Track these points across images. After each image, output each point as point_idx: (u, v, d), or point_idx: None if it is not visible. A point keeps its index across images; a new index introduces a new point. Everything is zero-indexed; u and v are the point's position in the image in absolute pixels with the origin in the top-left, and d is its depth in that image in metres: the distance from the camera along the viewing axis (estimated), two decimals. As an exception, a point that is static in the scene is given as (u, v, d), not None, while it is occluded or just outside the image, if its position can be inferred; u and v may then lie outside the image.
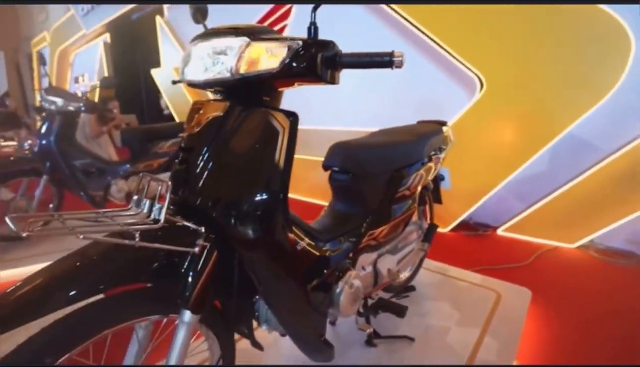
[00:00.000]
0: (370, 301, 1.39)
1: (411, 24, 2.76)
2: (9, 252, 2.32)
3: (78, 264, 0.64)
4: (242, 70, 0.73)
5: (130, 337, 0.82)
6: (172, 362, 0.73)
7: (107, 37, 7.45)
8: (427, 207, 1.79)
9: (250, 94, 0.80)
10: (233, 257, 0.82)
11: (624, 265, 2.18)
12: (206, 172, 0.74)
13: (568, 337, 1.56)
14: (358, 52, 0.77)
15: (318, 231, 1.09)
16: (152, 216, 0.66)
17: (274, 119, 0.79)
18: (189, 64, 0.79)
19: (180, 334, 0.74)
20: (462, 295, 1.82)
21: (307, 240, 1.00)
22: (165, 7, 5.47)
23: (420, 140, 1.40)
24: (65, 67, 8.48)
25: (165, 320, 0.79)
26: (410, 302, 1.65)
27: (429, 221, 1.82)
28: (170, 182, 0.69)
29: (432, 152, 1.51)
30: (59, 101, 2.50)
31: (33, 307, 0.57)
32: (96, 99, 3.81)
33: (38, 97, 3.08)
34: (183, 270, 0.75)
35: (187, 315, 0.73)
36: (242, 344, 1.13)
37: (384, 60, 0.75)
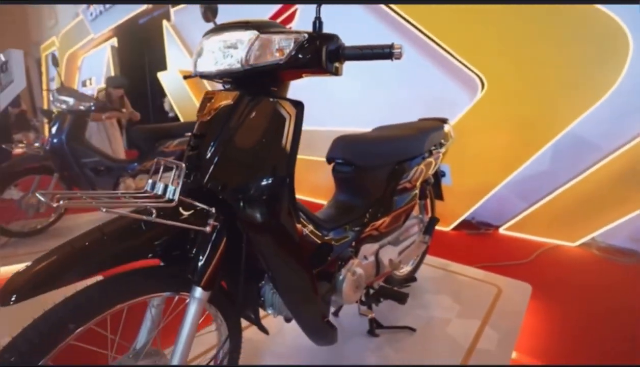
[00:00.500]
0: (372, 292, 1.43)
1: (412, 25, 2.81)
2: (21, 247, 2.41)
3: (95, 239, 0.69)
4: (251, 61, 0.77)
5: (143, 315, 0.87)
6: (184, 336, 0.77)
7: (114, 41, 7.59)
8: (429, 202, 1.83)
9: (258, 84, 0.84)
10: (241, 241, 0.86)
11: (625, 263, 2.20)
12: (217, 157, 0.78)
13: (568, 332, 1.58)
14: (360, 45, 0.82)
15: (322, 220, 1.13)
16: (167, 197, 0.71)
17: (281, 107, 0.83)
18: (201, 56, 0.83)
19: (192, 310, 0.78)
20: (464, 289, 1.85)
21: (311, 227, 1.05)
22: (172, 11, 5.58)
23: (421, 135, 1.44)
24: (73, 71, 8.64)
25: (176, 298, 0.83)
26: (412, 295, 1.68)
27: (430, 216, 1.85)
28: (184, 165, 0.73)
29: (433, 147, 1.55)
30: (70, 101, 2.57)
31: (51, 278, 0.62)
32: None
33: (50, 97, 3.15)
34: (195, 249, 0.80)
35: (198, 291, 0.78)
36: (248, 334, 1.16)
37: (384, 52, 0.79)
